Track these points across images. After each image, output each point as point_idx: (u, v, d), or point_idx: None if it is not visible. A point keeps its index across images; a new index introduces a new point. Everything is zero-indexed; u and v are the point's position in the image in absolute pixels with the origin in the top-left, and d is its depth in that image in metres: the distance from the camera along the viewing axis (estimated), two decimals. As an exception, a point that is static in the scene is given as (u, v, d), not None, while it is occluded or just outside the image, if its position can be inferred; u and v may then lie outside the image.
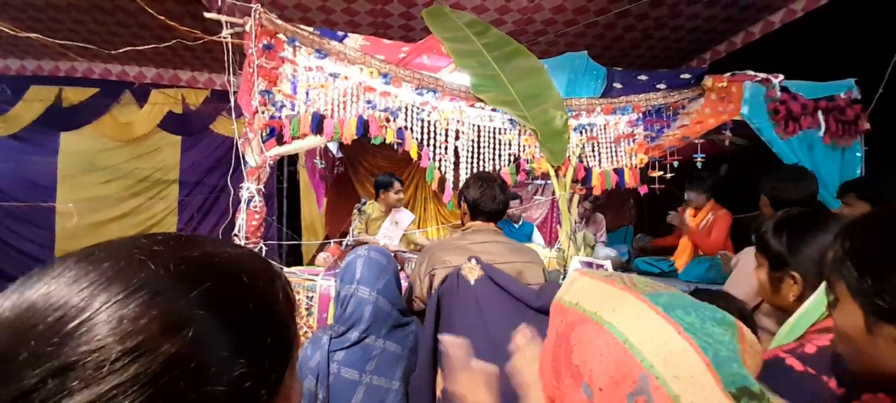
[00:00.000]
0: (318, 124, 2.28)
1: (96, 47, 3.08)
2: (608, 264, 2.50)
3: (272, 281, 0.40)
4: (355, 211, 3.28)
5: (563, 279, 2.19)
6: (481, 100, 2.51)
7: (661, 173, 2.63)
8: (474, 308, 1.48)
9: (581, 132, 2.63)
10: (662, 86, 2.65)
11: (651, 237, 3.52)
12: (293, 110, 2.30)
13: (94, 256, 0.33)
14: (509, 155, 2.56)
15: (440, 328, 1.50)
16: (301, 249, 4.80)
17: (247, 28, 2.22)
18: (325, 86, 2.32)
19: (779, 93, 2.56)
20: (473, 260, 1.54)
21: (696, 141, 2.66)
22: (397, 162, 4.81)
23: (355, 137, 2.33)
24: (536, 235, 3.86)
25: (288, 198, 4.98)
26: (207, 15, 2.27)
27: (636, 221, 5.04)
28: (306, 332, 2.06)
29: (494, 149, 2.55)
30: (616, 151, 2.66)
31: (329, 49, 2.33)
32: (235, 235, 2.24)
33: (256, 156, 2.26)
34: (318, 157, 3.99)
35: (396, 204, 3.28)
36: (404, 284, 1.74)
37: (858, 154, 2.61)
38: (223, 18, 2.25)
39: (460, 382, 0.78)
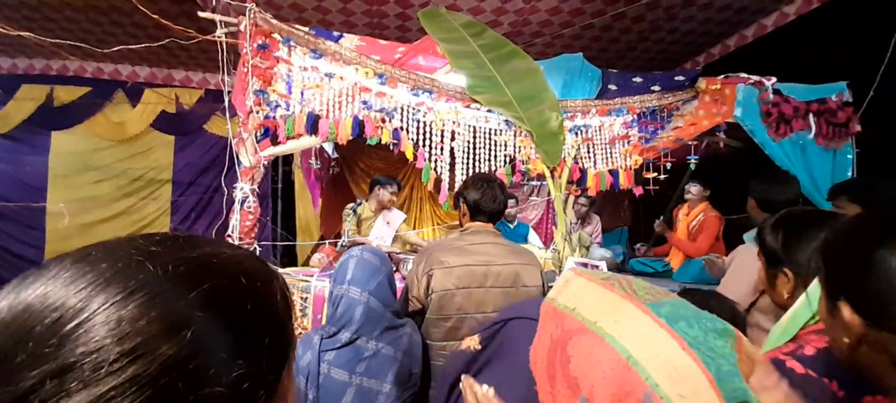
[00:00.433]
0: (313, 124, 2.28)
1: (90, 46, 3.06)
2: (603, 265, 2.51)
3: (270, 282, 0.40)
4: (349, 211, 3.27)
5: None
6: (477, 101, 2.51)
7: (656, 174, 2.65)
8: None
9: (576, 133, 2.64)
10: (657, 88, 2.67)
11: (650, 245, 3.55)
12: (288, 110, 2.29)
13: (91, 257, 0.33)
14: (505, 156, 2.57)
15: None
16: (296, 250, 4.77)
17: (241, 27, 2.21)
18: (320, 86, 2.31)
19: (771, 96, 2.59)
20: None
21: (690, 142, 2.68)
22: (393, 162, 4.81)
23: (351, 138, 2.33)
24: (533, 236, 3.86)
25: (283, 199, 4.95)
26: (202, 14, 2.26)
27: (632, 223, 5.06)
28: (300, 333, 2.05)
29: (490, 149, 2.55)
30: (611, 152, 2.68)
31: (324, 49, 2.33)
32: (229, 236, 2.22)
33: (251, 156, 2.25)
34: (313, 158, 3.98)
35: (388, 204, 3.28)
36: (399, 286, 1.73)
37: (849, 156, 2.63)
38: (218, 18, 2.24)
39: None
